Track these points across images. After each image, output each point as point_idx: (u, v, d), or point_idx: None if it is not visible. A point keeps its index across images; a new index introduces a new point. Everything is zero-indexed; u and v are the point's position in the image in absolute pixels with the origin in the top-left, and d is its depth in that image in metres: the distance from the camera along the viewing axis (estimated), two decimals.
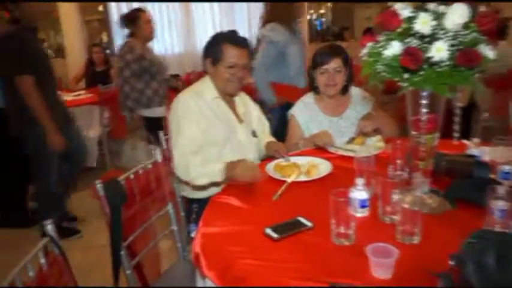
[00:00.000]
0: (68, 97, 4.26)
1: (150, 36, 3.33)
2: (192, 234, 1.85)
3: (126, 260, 1.40)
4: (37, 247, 0.98)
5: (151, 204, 1.57)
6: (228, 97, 1.89)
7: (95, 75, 4.86)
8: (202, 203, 1.84)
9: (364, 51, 1.23)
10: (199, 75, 5.41)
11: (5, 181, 3.13)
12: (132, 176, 1.47)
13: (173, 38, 6.16)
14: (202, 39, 6.10)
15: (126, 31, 3.29)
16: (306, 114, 2.10)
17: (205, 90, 1.82)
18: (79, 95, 4.32)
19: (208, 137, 1.76)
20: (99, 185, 1.32)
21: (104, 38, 6.28)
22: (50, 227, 1.03)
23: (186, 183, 1.76)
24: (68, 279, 1.04)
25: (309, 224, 1.22)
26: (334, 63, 1.98)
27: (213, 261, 1.09)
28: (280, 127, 2.37)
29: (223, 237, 1.21)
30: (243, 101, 1.99)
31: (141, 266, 1.51)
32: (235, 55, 1.75)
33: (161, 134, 1.86)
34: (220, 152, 1.80)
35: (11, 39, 2.49)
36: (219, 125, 1.80)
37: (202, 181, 1.64)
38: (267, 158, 1.90)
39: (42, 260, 0.98)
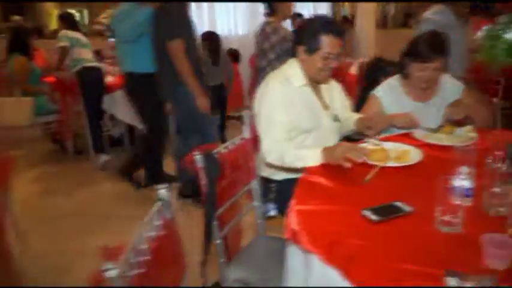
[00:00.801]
0: None
1: (289, 14, 3.22)
2: (271, 213, 1.88)
3: (216, 230, 1.44)
4: (152, 211, 1.02)
5: (239, 179, 1.60)
6: (315, 84, 1.86)
7: None
8: (281, 184, 1.87)
9: (480, 34, 1.17)
10: None
11: (154, 142, 3.28)
12: (224, 151, 1.50)
13: (237, 19, 6.16)
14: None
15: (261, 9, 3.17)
16: (390, 97, 2.04)
17: (294, 76, 1.79)
18: None
19: (296, 124, 1.75)
20: (198, 157, 1.36)
21: None
22: (163, 191, 1.07)
23: (270, 165, 1.77)
24: (178, 244, 1.08)
25: (408, 209, 1.20)
26: (437, 63, 1.88)
27: (316, 238, 1.09)
28: None
29: (319, 216, 1.21)
30: (328, 85, 1.95)
31: (225, 238, 1.55)
32: (333, 46, 1.69)
33: (246, 112, 1.87)
34: (305, 139, 1.79)
35: (169, 7, 2.67)
36: (307, 113, 1.79)
37: (297, 165, 1.64)
38: (346, 139, 1.89)
39: (157, 222, 1.03)
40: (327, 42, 1.68)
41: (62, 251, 2.51)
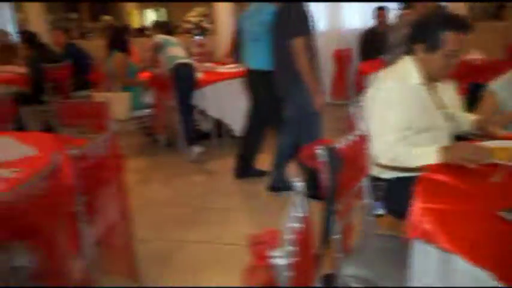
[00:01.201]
0: (221, 69, 4.56)
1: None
2: (378, 211, 1.86)
3: (334, 225, 1.45)
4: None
5: (354, 175, 1.60)
6: (431, 82, 1.80)
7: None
8: (390, 182, 1.84)
9: None
10: (347, 53, 5.36)
11: (261, 137, 3.46)
12: (341, 146, 1.50)
13: (319, 14, 6.10)
14: (348, 15, 5.93)
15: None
16: (506, 91, 1.92)
17: (409, 74, 1.74)
18: (232, 68, 4.58)
19: (411, 124, 1.71)
20: (320, 151, 1.38)
21: None
22: (299, 185, 1.10)
23: (379, 163, 1.75)
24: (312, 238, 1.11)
25: None
26: None
27: (456, 238, 1.07)
28: None
29: (454, 215, 1.18)
30: (443, 83, 1.88)
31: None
32: (457, 43, 1.61)
33: (359, 107, 1.85)
34: (420, 139, 1.74)
35: (292, 5, 2.75)
36: (422, 112, 1.74)
37: (412, 164, 1.60)
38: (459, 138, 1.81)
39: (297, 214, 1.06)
40: (451, 39, 1.60)
41: (163, 239, 2.66)
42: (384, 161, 1.69)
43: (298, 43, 2.69)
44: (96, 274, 1.71)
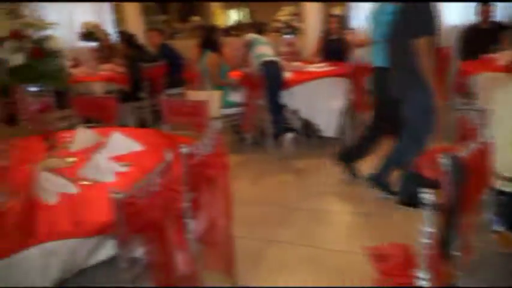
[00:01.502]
0: (309, 68, 4.50)
1: None
2: (495, 227, 1.69)
3: (454, 240, 1.33)
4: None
5: (475, 187, 1.45)
6: None
7: (328, 45, 5.00)
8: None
9: None
10: (446, 51, 5.00)
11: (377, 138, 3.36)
12: (464, 155, 1.37)
13: None
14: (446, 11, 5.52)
15: None
16: None
17: None
18: (321, 67, 4.50)
19: None
20: (443, 159, 1.26)
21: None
22: (427, 196, 1.01)
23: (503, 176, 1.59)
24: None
25: None
26: None
27: None
28: None
29: None
30: None
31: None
32: None
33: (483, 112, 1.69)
34: None
35: (420, 4, 2.65)
36: None
37: None
38: None
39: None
40: None
41: (252, 238, 2.67)
42: (509, 173, 1.52)
43: (423, 43, 2.58)
44: (197, 268, 1.74)
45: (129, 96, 5.05)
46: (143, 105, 5.07)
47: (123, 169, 1.80)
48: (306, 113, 4.03)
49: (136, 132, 2.39)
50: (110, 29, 7.31)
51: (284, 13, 4.51)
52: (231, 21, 16.12)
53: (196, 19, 10.13)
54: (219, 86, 4.17)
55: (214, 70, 4.13)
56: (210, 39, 4.23)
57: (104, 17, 7.27)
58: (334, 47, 4.86)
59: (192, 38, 8.62)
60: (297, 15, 4.51)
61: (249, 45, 4.05)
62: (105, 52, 6.44)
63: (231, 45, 5.26)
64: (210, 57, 4.16)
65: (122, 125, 4.59)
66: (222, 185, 1.74)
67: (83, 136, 2.21)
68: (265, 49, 4.08)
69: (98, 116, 3.03)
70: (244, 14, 17.30)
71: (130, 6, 6.95)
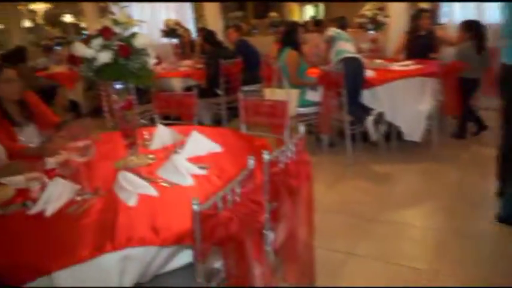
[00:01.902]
0: (393, 66, 4.20)
1: None
2: None
3: None
4: None
5: None
6: None
7: (416, 42, 4.64)
8: None
9: None
10: None
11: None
12: None
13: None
14: None
15: None
16: None
17: None
18: (406, 65, 4.18)
19: None
20: None
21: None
22: None
23: None
24: None
25: None
26: None
27: None
28: None
29: None
30: None
31: None
32: None
33: None
34: None
35: None
36: None
37: None
38: None
39: None
40: None
41: (328, 249, 2.51)
42: None
43: None
44: (275, 280, 1.64)
45: (206, 92, 5.09)
46: (219, 102, 5.09)
47: (202, 172, 1.74)
48: (388, 115, 3.76)
49: (215, 132, 2.33)
50: (191, 26, 7.49)
51: (369, 7, 4.24)
52: (307, 16, 15.86)
53: (273, 15, 10.06)
54: (296, 85, 4.04)
55: (293, 68, 4.00)
56: (290, 36, 4.10)
57: (184, 15, 7.47)
58: (422, 44, 4.51)
59: (268, 35, 8.59)
60: (382, 9, 4.22)
61: (331, 41, 3.86)
62: (186, 48, 6.59)
63: (310, 42, 5.11)
64: (289, 54, 4.03)
65: (198, 122, 4.68)
66: (304, 196, 1.62)
67: (162, 134, 2.20)
68: (347, 45, 3.88)
69: (177, 112, 3.04)
70: (319, 10, 16.99)
71: (209, 4, 7.03)
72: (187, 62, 5.79)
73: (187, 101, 2.97)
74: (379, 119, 3.60)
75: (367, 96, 3.80)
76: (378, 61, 4.39)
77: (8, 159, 2.14)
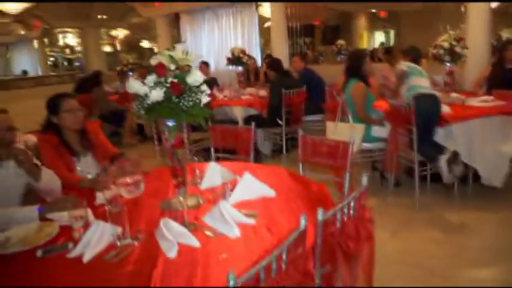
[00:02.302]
0: (472, 102, 3.82)
1: None
2: None
3: None
4: None
5: None
6: None
7: (501, 76, 4.22)
8: None
9: None
10: None
11: None
12: None
13: None
14: None
15: None
16: None
17: None
18: (485, 101, 3.78)
19: None
20: None
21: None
22: None
23: None
24: None
25: None
26: None
27: None
28: None
29: None
30: None
31: None
32: None
33: None
34: None
35: None
36: None
37: None
38: None
39: None
40: None
41: None
42: None
43: None
44: None
45: (267, 122, 5.00)
46: (279, 132, 4.96)
47: (249, 221, 1.60)
48: (464, 155, 3.38)
49: (269, 171, 2.20)
50: (257, 52, 7.54)
51: (445, 38, 3.93)
52: (377, 43, 15.45)
53: (341, 42, 9.86)
54: (362, 119, 3.80)
55: (359, 101, 3.79)
56: (356, 65, 3.90)
57: (251, 40, 7.54)
58: (508, 78, 4.09)
59: (336, 63, 8.42)
60: (461, 40, 3.88)
61: (403, 76, 3.60)
62: (250, 76, 6.61)
63: (379, 73, 4.85)
64: (355, 86, 3.83)
65: (257, 151, 4.60)
66: (364, 260, 1.40)
67: (213, 172, 2.09)
68: (421, 81, 3.58)
69: (233, 146, 2.95)
70: (389, 36, 16.47)
71: (276, 29, 7.03)
72: (251, 90, 5.77)
73: (244, 135, 2.88)
74: (454, 158, 3.24)
75: (440, 135, 3.47)
76: (454, 95, 4.03)
77: (63, 190, 2.15)
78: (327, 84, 5.48)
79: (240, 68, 5.96)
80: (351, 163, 2.25)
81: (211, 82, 6.53)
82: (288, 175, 2.16)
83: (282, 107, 4.80)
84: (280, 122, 4.91)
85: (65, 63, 13.27)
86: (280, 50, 6.88)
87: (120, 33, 13.97)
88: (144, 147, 6.40)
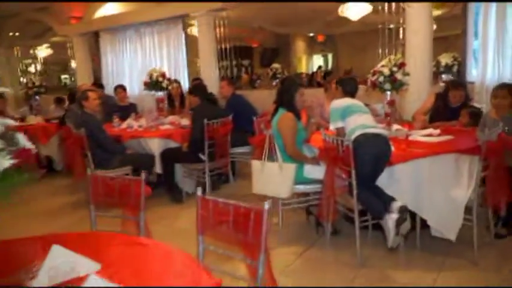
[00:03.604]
0: (418, 136, 3.33)
1: None
2: None
3: None
4: None
5: None
6: None
7: (447, 111, 3.83)
8: None
9: None
10: None
11: None
12: None
13: None
14: None
15: None
16: None
17: None
18: (431, 135, 3.32)
19: None
20: None
21: None
22: None
23: None
24: None
25: None
26: None
27: None
28: None
29: None
30: None
31: None
32: None
33: None
34: None
35: None
36: None
37: None
38: None
39: None
40: None
41: None
42: None
43: None
44: None
45: (187, 156, 4.27)
46: (202, 168, 4.24)
47: None
48: (411, 203, 2.84)
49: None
50: (184, 75, 6.80)
51: (385, 63, 3.44)
52: (315, 67, 15.28)
53: (275, 66, 9.38)
54: (293, 157, 3.19)
55: (287, 134, 3.17)
56: (288, 95, 3.29)
57: (178, 62, 6.81)
58: (453, 115, 3.70)
59: (272, 87, 7.88)
60: (402, 65, 3.41)
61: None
62: (175, 102, 5.85)
63: (315, 100, 4.31)
64: (283, 117, 3.22)
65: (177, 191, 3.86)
66: None
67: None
68: (362, 118, 2.99)
69: (118, 203, 2.18)
70: (327, 60, 16.42)
71: (204, 50, 6.34)
72: (173, 119, 5.02)
73: (132, 188, 2.11)
74: (403, 216, 2.69)
75: (382, 177, 2.91)
76: (396, 127, 3.55)
77: None
78: (258, 113, 4.87)
79: (160, 93, 5.19)
80: (267, 237, 1.57)
81: (129, 109, 5.71)
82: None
83: (205, 139, 4.09)
84: (202, 157, 4.19)
85: None
86: (208, 73, 6.20)
87: (42, 52, 12.70)
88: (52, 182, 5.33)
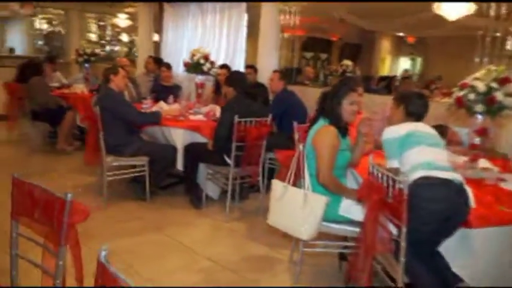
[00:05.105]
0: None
1: None
2: None
3: None
4: None
5: None
6: None
7: None
8: None
9: None
10: None
11: None
12: None
13: None
14: None
15: None
16: None
17: None
18: None
19: None
20: None
21: None
22: None
23: None
24: None
25: None
26: None
27: None
28: None
29: None
30: None
31: None
32: None
33: None
34: None
35: None
36: None
37: None
38: None
39: None
40: None
41: None
42: None
43: None
44: None
45: (210, 156, 3.57)
46: (225, 173, 3.52)
47: None
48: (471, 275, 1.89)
49: None
50: (240, 61, 6.08)
51: (482, 75, 2.41)
52: (400, 70, 13.77)
53: (346, 63, 8.33)
54: (325, 185, 2.34)
55: (324, 155, 2.32)
56: (330, 99, 2.44)
57: (236, 46, 6.10)
58: None
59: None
60: (506, 81, 2.37)
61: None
62: (219, 90, 5.16)
63: (379, 111, 3.38)
64: (321, 131, 2.38)
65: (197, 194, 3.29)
66: None
67: None
68: (432, 153, 2.07)
69: (43, 222, 1.51)
70: (416, 64, 14.83)
71: (265, 37, 5.55)
72: (212, 108, 4.32)
73: (56, 207, 1.44)
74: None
75: (450, 240, 1.97)
76: (484, 165, 2.53)
77: None
78: (308, 115, 4.03)
79: (199, 77, 4.52)
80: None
81: (173, 90, 5.13)
82: None
83: (232, 140, 3.35)
84: (227, 159, 3.46)
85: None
86: (267, 63, 5.40)
87: (121, 22, 12.71)
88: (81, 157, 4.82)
